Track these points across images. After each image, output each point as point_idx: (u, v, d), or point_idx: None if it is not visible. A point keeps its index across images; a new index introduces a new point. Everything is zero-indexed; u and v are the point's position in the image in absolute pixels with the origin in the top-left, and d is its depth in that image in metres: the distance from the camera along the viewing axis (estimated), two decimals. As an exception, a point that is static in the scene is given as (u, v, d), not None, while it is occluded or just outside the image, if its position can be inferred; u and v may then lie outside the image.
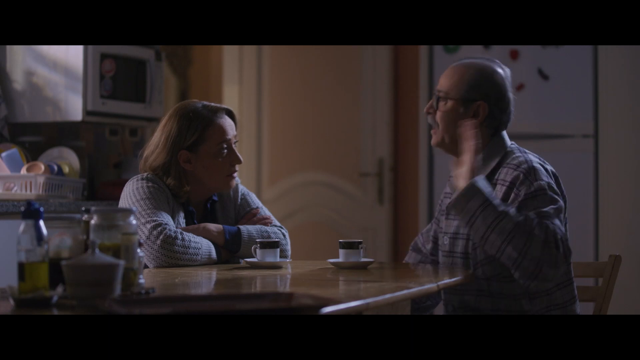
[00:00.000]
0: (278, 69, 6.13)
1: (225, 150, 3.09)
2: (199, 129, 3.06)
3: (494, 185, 2.87)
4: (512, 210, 2.72)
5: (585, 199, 5.02)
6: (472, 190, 2.75)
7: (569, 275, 2.95)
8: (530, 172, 2.84)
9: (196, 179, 3.09)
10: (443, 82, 2.98)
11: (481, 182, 2.77)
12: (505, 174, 2.87)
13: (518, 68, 5.29)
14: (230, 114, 3.15)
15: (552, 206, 2.78)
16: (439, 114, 2.96)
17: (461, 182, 2.79)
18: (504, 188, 2.85)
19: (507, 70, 3.02)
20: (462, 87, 2.94)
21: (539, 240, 2.67)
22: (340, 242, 2.92)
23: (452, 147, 2.98)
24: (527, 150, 2.97)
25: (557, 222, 2.74)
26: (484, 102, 2.94)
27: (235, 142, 3.13)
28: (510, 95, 2.98)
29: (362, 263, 2.90)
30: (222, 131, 3.09)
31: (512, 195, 2.82)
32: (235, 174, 3.13)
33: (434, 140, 3.01)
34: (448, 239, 2.99)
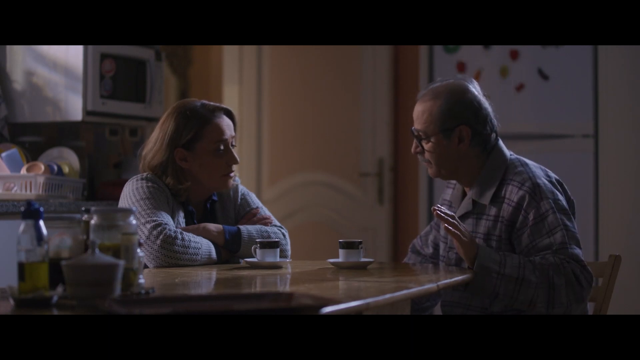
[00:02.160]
0: (278, 69, 6.13)
1: (222, 150, 3.08)
2: (195, 127, 3.06)
3: (500, 203, 2.86)
4: (527, 268, 2.73)
5: (585, 199, 5.01)
6: (482, 271, 2.73)
7: None
8: (535, 191, 2.82)
9: (194, 178, 3.08)
10: (416, 122, 2.95)
11: (486, 256, 2.75)
12: (511, 192, 2.86)
13: (518, 68, 5.29)
14: (229, 115, 3.15)
15: (562, 230, 2.78)
16: (427, 153, 2.94)
17: (467, 259, 2.78)
18: (510, 208, 2.84)
19: (473, 80, 2.99)
20: (437, 121, 2.91)
21: (561, 288, 2.72)
22: (340, 242, 2.92)
23: (451, 176, 2.98)
24: (527, 161, 2.95)
25: (572, 250, 2.76)
26: (464, 125, 2.91)
27: (233, 143, 3.13)
28: (485, 104, 2.95)
29: (362, 263, 2.90)
30: (219, 130, 3.08)
31: (521, 217, 2.82)
32: (233, 174, 3.13)
33: (431, 174, 3.00)
34: (455, 255, 2.98)
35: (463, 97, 2.92)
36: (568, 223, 2.81)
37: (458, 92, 2.92)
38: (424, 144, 2.94)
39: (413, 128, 2.97)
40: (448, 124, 2.90)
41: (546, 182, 2.87)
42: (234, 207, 3.21)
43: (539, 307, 2.74)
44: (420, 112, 2.95)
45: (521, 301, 2.74)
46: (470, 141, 2.91)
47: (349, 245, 2.90)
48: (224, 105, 3.16)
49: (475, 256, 2.74)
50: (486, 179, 2.91)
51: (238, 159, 3.13)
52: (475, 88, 2.95)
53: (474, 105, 2.92)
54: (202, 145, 3.07)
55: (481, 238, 2.88)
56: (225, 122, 3.12)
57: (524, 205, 2.82)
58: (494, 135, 2.95)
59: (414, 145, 2.98)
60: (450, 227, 2.74)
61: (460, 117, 2.90)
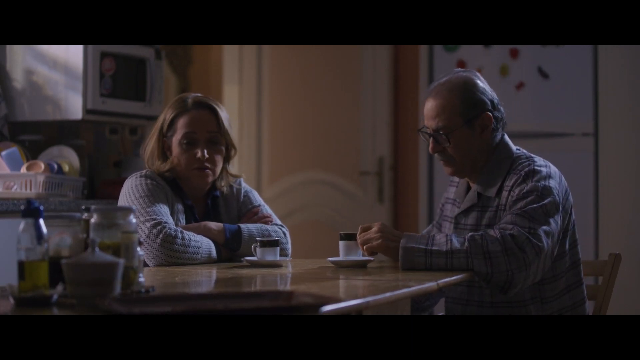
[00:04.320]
0: (278, 69, 6.13)
1: (190, 142, 3.09)
2: (171, 117, 3.12)
3: (502, 192, 2.87)
4: (454, 241, 2.71)
5: (585, 197, 5.02)
6: (406, 253, 2.75)
7: (579, 277, 2.95)
8: (529, 174, 2.82)
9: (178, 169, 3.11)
10: (434, 120, 2.91)
11: (409, 240, 2.76)
12: (511, 180, 2.86)
13: (518, 67, 5.29)
14: (213, 112, 3.13)
15: (533, 206, 2.75)
16: (452, 149, 2.91)
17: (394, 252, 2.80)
18: (506, 193, 2.85)
19: (477, 72, 3.00)
20: (460, 112, 2.89)
21: (498, 254, 2.68)
22: (340, 234, 2.92)
23: (473, 170, 2.95)
24: (533, 155, 2.95)
25: (531, 223, 2.72)
26: (486, 112, 2.91)
27: (215, 139, 3.10)
28: (492, 91, 2.97)
29: (362, 261, 2.90)
30: (189, 123, 3.09)
31: (509, 197, 2.82)
32: (207, 171, 3.10)
33: (450, 172, 2.96)
34: None
35: (476, 85, 2.93)
36: (546, 205, 2.78)
37: (470, 82, 2.93)
38: (448, 139, 2.90)
39: (428, 127, 2.93)
40: (471, 113, 2.90)
41: (544, 170, 2.86)
42: (237, 205, 3.22)
43: (479, 273, 2.70)
44: (439, 108, 2.91)
45: (457, 271, 2.71)
46: (492, 128, 2.91)
47: (349, 237, 2.90)
48: (211, 102, 3.14)
49: (395, 246, 2.77)
50: (492, 172, 2.91)
51: (206, 155, 3.09)
52: (480, 78, 2.97)
53: (487, 92, 2.94)
54: (175, 136, 3.11)
55: (484, 230, 2.87)
56: (200, 116, 3.11)
57: (514, 186, 2.82)
58: (503, 122, 2.96)
59: (431, 144, 2.93)
60: (370, 249, 2.82)
61: (480, 104, 2.91)
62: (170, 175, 3.10)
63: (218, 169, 3.13)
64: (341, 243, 2.91)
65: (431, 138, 2.93)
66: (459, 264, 2.70)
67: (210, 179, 3.11)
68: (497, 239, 2.69)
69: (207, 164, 3.08)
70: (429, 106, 2.94)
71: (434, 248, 2.72)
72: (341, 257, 2.91)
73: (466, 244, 2.70)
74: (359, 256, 2.89)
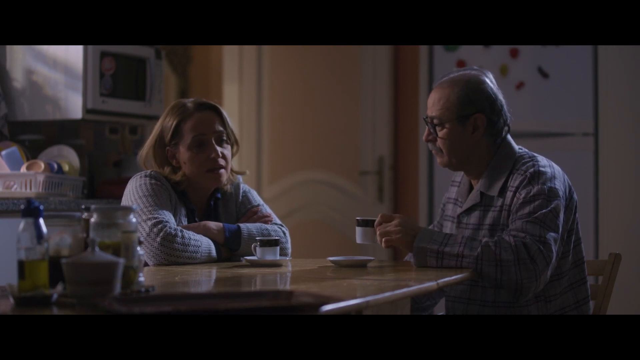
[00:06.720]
0: (278, 69, 6.13)
1: (200, 145, 3.08)
2: (175, 122, 3.10)
3: (506, 192, 2.87)
4: (469, 245, 2.75)
5: (585, 197, 5.01)
6: (418, 252, 2.79)
7: (582, 274, 2.96)
8: (535, 175, 2.83)
9: (187, 176, 3.10)
10: (432, 108, 2.95)
11: (424, 238, 2.80)
12: (515, 180, 2.87)
13: (518, 66, 5.29)
14: (217, 111, 3.14)
15: (542, 211, 2.77)
16: (439, 141, 2.94)
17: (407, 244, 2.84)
18: (511, 194, 2.85)
19: (490, 74, 3.01)
20: (453, 107, 2.91)
21: (509, 264, 2.71)
22: (357, 219, 2.95)
23: (461, 166, 2.97)
24: (535, 154, 2.95)
25: (541, 231, 2.74)
26: (480, 113, 2.92)
27: (223, 137, 3.11)
28: (500, 97, 2.96)
29: (362, 261, 2.90)
30: (197, 125, 3.09)
31: (515, 199, 2.82)
32: (222, 170, 3.11)
33: (440, 163, 2.99)
34: None
35: (480, 86, 2.94)
36: (554, 208, 2.79)
37: (476, 82, 2.94)
38: (437, 130, 2.94)
39: (426, 115, 2.97)
40: (465, 111, 2.91)
41: (549, 170, 2.87)
42: (236, 205, 3.22)
43: (487, 280, 2.74)
44: (436, 99, 2.95)
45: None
46: (484, 130, 2.92)
47: (365, 223, 2.92)
48: (212, 102, 3.15)
49: (413, 241, 2.81)
50: (494, 171, 2.92)
51: (219, 153, 3.11)
52: (491, 80, 2.97)
53: (491, 96, 2.94)
54: (183, 141, 3.09)
55: (487, 229, 2.88)
56: (206, 117, 3.11)
57: (520, 188, 2.83)
58: (506, 128, 2.97)
59: (425, 132, 2.98)
60: (387, 243, 2.85)
61: (477, 105, 2.92)
62: (182, 187, 3.09)
63: (229, 167, 3.14)
64: (358, 229, 2.93)
65: (427, 127, 2.97)
66: (467, 268, 2.74)
67: (224, 178, 3.12)
68: (510, 247, 2.71)
69: (221, 163, 3.09)
70: (431, 95, 2.99)
71: (446, 249, 2.75)
72: (358, 241, 2.93)
73: (479, 249, 2.72)
74: (375, 242, 2.92)
